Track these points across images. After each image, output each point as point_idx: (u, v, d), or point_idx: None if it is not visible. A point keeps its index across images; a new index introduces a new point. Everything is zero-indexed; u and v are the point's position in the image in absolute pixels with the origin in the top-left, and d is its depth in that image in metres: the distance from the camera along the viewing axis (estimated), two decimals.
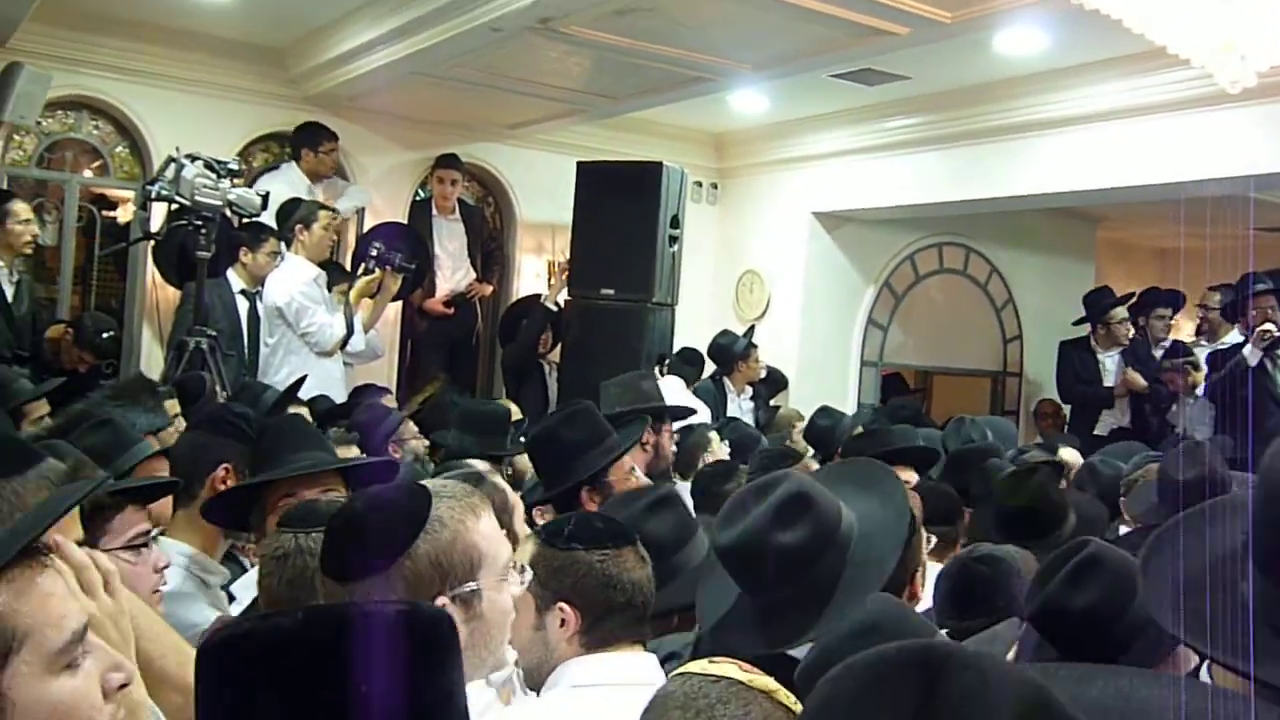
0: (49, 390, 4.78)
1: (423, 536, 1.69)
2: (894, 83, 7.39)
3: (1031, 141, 7.43)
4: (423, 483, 1.83)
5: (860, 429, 5.80)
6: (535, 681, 2.11)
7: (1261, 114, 6.10)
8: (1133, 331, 8.23)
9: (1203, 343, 8.33)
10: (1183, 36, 3.94)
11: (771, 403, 8.22)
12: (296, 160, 7.53)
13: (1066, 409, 8.93)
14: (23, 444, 2.06)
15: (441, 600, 1.67)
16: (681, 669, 1.55)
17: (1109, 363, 8.17)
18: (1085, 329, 8.43)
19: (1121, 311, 8.20)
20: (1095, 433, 7.96)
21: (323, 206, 6.88)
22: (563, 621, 2.06)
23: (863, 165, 8.56)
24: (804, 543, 2.17)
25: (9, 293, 6.26)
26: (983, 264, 9.86)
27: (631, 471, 3.78)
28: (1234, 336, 7.67)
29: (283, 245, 6.71)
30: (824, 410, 6.40)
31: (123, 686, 1.27)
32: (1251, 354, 6.86)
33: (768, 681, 1.49)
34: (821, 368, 8.96)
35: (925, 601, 2.58)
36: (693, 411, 4.91)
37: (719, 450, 4.97)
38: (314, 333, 6.49)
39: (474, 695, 1.85)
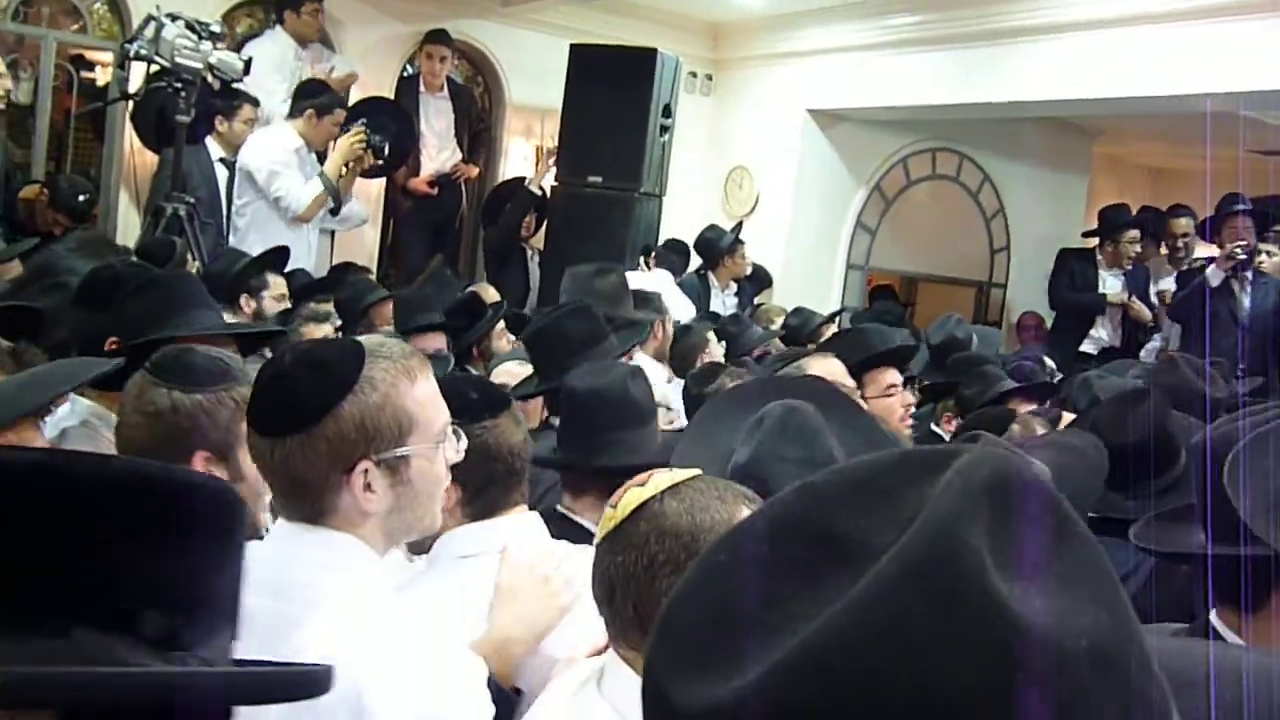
0: (23, 250, 4.68)
1: (350, 397, 1.62)
2: None
3: (1033, 46, 7.26)
4: (358, 339, 1.74)
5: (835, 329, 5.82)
6: (419, 549, 2.11)
7: (1272, 27, 5.95)
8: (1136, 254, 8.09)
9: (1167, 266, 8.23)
10: None
11: (755, 300, 8.16)
12: (280, 23, 7.31)
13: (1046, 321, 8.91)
14: None
15: (365, 464, 1.63)
16: None
17: (1111, 280, 8.06)
18: (1091, 242, 8.31)
19: (1134, 233, 8.04)
20: (1082, 349, 7.90)
21: (343, 105, 6.77)
22: None
23: (861, 63, 8.38)
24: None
25: None
26: (975, 172, 9.74)
27: None
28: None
29: (259, 112, 6.58)
30: (796, 310, 6.50)
31: None
32: (1214, 274, 6.82)
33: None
34: (807, 268, 8.89)
35: None
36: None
37: (715, 351, 4.90)
38: (284, 197, 6.36)
39: (394, 567, 1.84)
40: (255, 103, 6.58)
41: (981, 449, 0.66)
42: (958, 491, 0.62)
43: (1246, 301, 6.74)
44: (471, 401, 2.08)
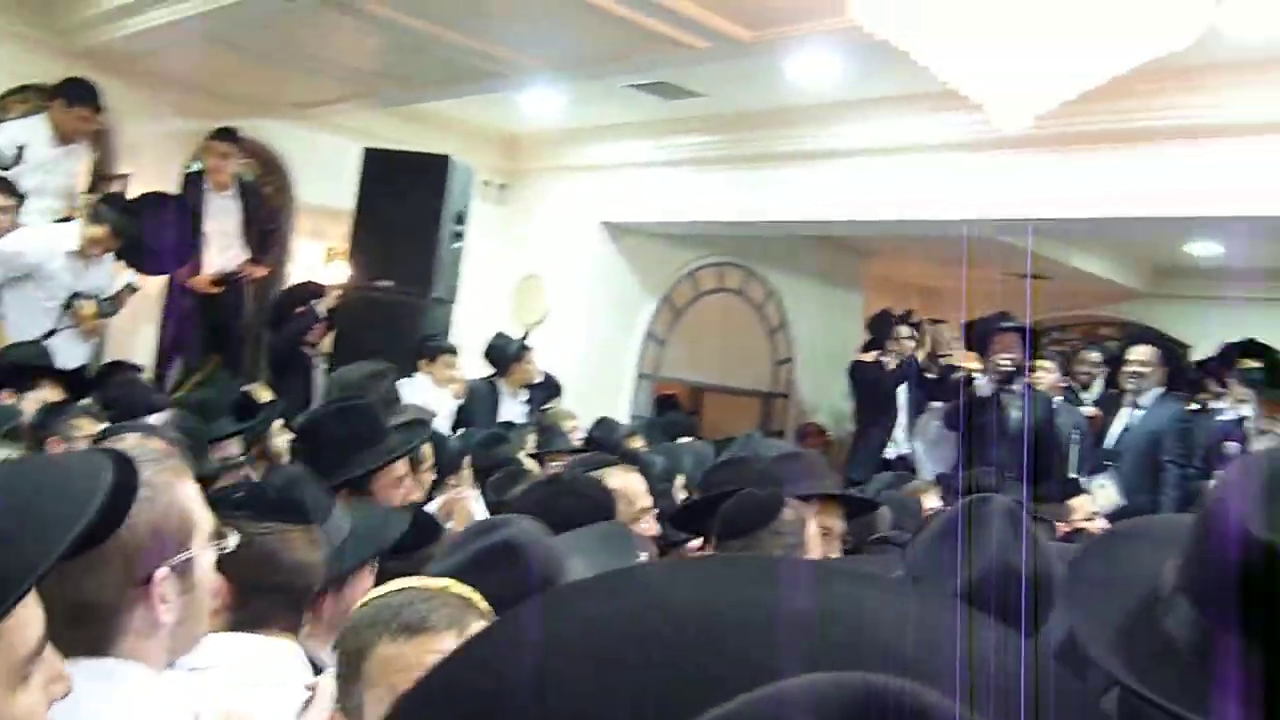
0: None
1: (137, 504, 1.46)
2: (689, 99, 7.48)
3: (812, 170, 7.65)
4: (109, 446, 1.66)
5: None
6: None
7: (1036, 160, 6.44)
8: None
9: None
10: (966, 75, 4.11)
11: (544, 408, 8.16)
12: (46, 111, 6.97)
13: (830, 431, 9.22)
14: None
15: (163, 572, 1.52)
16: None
17: (901, 386, 8.38)
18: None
19: (907, 329, 8.42)
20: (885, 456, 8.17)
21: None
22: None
23: (653, 178, 8.64)
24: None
25: None
26: (760, 287, 10.10)
27: (402, 480, 3.60)
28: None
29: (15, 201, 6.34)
30: (601, 421, 6.44)
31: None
32: (984, 385, 7.19)
33: (447, 582, 1.71)
34: (598, 377, 8.97)
35: None
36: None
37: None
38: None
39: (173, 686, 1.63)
40: (15, 192, 6.31)
41: None
42: None
43: (1015, 413, 7.09)
44: (267, 501, 2.01)
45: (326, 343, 7.53)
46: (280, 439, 4.55)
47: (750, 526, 2.59)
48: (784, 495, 2.69)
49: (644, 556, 2.72)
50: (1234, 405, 6.41)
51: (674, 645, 0.55)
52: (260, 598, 1.97)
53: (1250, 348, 6.41)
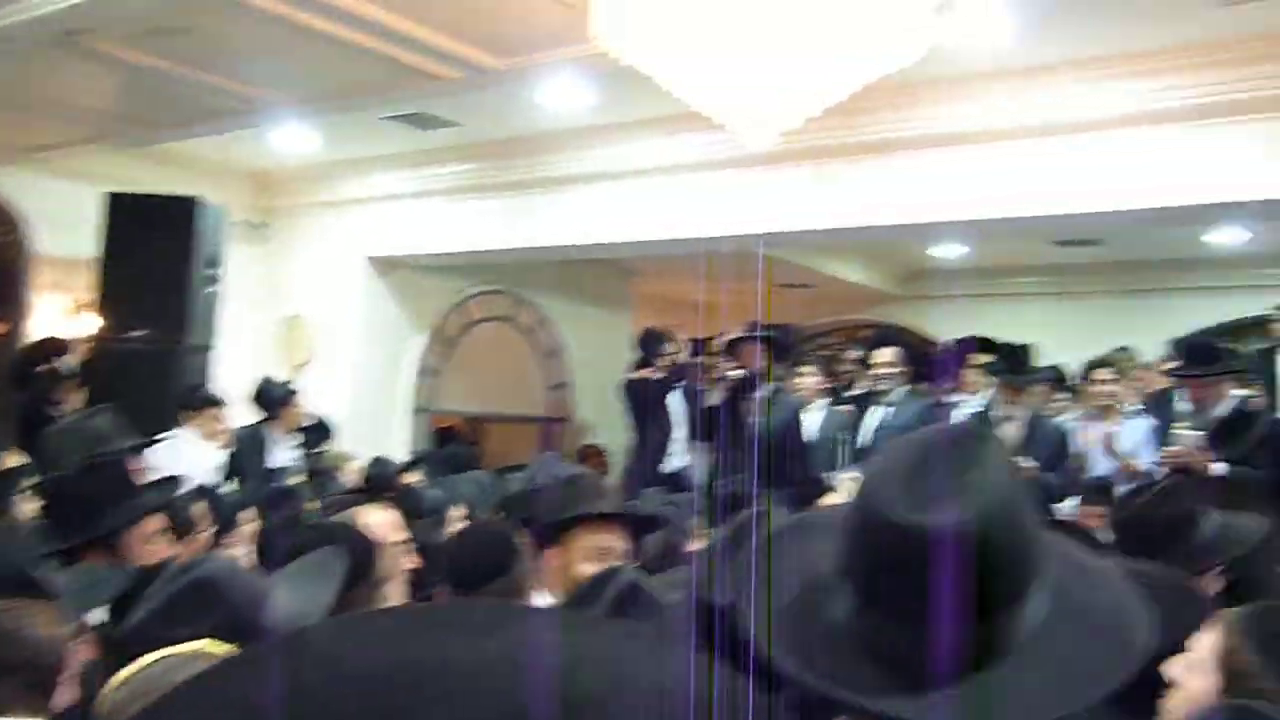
0: None
1: None
2: (446, 129, 7.47)
3: (572, 194, 7.76)
4: None
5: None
6: None
7: (785, 175, 6.68)
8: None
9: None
10: (708, 97, 4.22)
11: (317, 450, 7.95)
12: None
13: (608, 451, 9.29)
14: None
15: None
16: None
17: (672, 401, 8.46)
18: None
19: (672, 346, 8.48)
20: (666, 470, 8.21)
21: None
22: None
23: (416, 210, 8.56)
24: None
25: None
26: (531, 313, 10.13)
27: (154, 538, 3.46)
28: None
29: None
30: (376, 460, 6.32)
31: None
32: (715, 395, 7.36)
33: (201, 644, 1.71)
34: (372, 414, 8.82)
35: None
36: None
37: None
38: None
39: None
40: None
41: None
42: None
43: (751, 420, 7.22)
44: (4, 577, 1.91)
45: (79, 399, 7.13)
46: (29, 506, 4.28)
47: (488, 562, 2.65)
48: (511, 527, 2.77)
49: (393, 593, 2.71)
50: (974, 397, 6.80)
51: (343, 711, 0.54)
52: (3, 680, 1.84)
53: (979, 343, 6.81)
